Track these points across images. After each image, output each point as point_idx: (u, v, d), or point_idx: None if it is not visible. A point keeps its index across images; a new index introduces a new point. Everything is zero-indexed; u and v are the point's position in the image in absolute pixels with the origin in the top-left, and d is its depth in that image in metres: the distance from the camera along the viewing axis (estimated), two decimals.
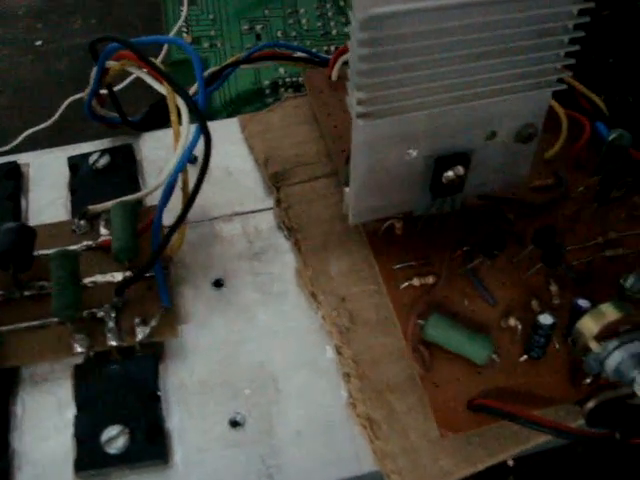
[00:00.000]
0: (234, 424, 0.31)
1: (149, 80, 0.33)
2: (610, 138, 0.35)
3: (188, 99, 0.31)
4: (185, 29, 0.44)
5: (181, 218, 0.31)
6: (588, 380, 0.31)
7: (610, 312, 0.30)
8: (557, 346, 0.31)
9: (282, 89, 0.41)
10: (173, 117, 0.33)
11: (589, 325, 0.30)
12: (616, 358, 0.29)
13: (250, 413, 0.31)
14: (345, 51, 0.38)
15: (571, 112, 0.38)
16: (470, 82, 0.28)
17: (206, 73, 0.39)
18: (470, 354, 0.31)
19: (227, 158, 0.38)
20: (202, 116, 0.31)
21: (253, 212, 0.36)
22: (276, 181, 0.37)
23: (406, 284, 0.32)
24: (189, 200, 0.30)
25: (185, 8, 0.43)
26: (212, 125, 0.39)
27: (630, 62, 0.41)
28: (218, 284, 0.34)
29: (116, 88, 0.39)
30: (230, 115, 0.42)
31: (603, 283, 0.34)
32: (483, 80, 0.28)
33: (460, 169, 0.31)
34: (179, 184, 0.32)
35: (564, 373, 0.31)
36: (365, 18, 0.25)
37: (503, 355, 0.31)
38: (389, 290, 0.33)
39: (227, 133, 0.39)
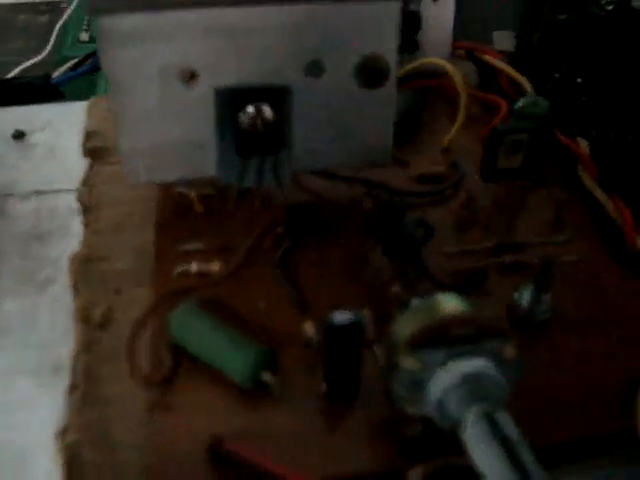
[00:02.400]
0: None
1: None
2: (518, 105, 0.24)
3: None
4: (86, 27, 0.40)
5: None
6: (415, 431, 0.19)
7: (445, 306, 0.18)
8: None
9: None
10: None
11: (403, 326, 0.18)
12: (441, 382, 0.17)
13: None
14: None
15: (484, 94, 0.28)
16: None
17: (80, 57, 0.35)
18: (227, 369, 0.20)
19: (57, 137, 0.31)
20: None
21: (59, 191, 0.29)
22: (92, 157, 0.29)
23: (180, 270, 0.23)
24: None
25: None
26: (56, 106, 0.34)
27: (600, 79, 0.31)
28: None
29: None
30: None
31: (493, 297, 0.22)
32: None
33: (266, 109, 0.22)
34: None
35: (381, 419, 0.19)
36: None
37: (289, 380, 0.20)
38: (157, 278, 0.23)
39: (71, 114, 0.32)
